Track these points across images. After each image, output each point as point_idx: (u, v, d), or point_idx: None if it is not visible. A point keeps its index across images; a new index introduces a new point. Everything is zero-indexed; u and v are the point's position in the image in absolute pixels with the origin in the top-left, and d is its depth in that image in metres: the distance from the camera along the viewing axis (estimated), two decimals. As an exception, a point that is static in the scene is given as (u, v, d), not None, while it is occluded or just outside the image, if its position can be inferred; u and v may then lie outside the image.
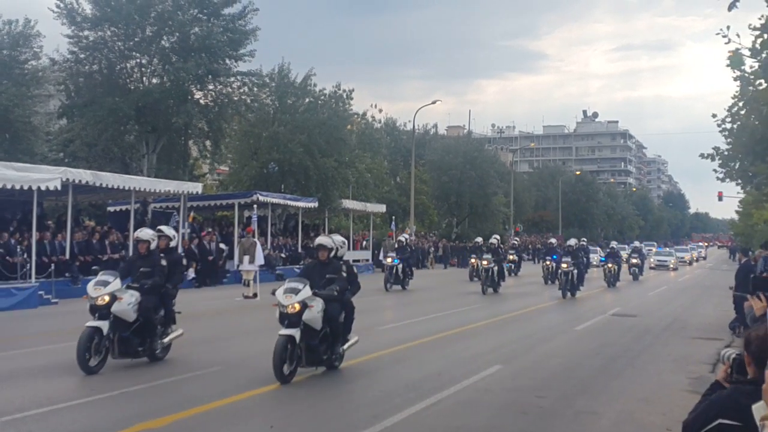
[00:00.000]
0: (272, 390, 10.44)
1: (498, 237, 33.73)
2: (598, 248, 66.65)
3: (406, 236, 35.13)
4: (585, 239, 42.01)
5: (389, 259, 30.37)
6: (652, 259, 58.30)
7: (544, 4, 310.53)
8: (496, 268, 29.19)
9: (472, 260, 36.86)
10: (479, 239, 39.09)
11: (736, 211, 71.34)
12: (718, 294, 29.93)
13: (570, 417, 9.48)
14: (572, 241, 33.00)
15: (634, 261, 42.39)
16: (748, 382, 3.37)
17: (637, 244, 48.29)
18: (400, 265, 30.10)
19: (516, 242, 47.97)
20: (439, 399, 10.08)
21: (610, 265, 35.20)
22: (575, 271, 28.49)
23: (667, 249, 72.12)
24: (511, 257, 40.96)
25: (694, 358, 14.31)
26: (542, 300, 27.28)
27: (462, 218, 71.36)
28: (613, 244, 39.84)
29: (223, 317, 19.72)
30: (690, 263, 69.37)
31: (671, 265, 57.56)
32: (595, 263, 47.34)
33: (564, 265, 28.38)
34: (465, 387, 10.95)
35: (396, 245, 32.13)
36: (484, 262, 29.43)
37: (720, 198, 64.01)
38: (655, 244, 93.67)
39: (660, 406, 10.10)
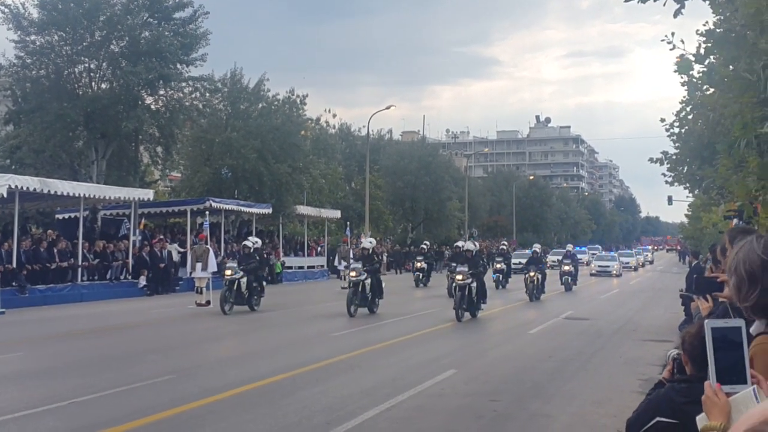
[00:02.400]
0: (224, 398, 10.32)
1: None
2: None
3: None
4: (538, 246, 35.08)
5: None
6: (592, 265, 54.93)
7: (497, 12, 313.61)
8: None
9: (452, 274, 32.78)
10: (425, 244, 38.85)
11: (686, 215, 72.47)
12: (668, 297, 30.36)
13: (524, 420, 9.52)
14: (537, 247, 32.55)
15: (566, 268, 35.68)
16: (684, 380, 3.42)
17: (569, 247, 39.76)
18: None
19: (504, 247, 40.17)
20: (393, 404, 10.04)
21: (531, 274, 28.80)
22: (540, 276, 28.65)
23: (609, 253, 65.91)
24: (498, 265, 36.58)
25: (645, 360, 14.48)
26: (494, 305, 27.40)
27: (417, 223, 71.56)
28: (536, 247, 33.42)
29: (175, 325, 19.45)
30: (635, 269, 65.15)
31: (614, 272, 52.59)
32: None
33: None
34: (419, 392, 10.93)
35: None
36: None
37: (670, 202, 65.22)
38: (600, 248, 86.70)
39: (611, 408, 10.19)
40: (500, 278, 35.90)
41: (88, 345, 15.33)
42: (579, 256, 69.23)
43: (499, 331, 19.57)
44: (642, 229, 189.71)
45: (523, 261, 53.36)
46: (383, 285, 23.41)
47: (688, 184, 26.70)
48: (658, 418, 3.46)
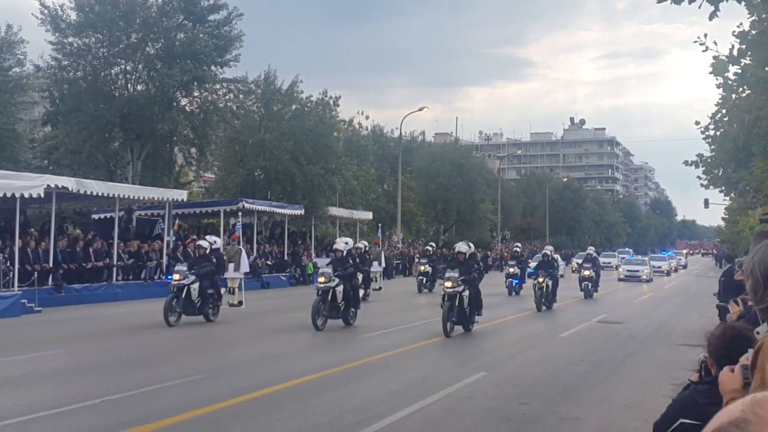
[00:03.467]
0: (255, 398, 10.40)
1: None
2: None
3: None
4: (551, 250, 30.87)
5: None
6: (620, 269, 52.10)
7: (532, 12, 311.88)
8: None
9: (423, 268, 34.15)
10: (431, 246, 36.49)
11: (723, 219, 71.44)
12: (703, 301, 29.96)
13: (553, 423, 9.48)
14: (549, 248, 29.45)
15: (585, 273, 32.32)
16: (706, 382, 3.42)
17: (591, 250, 35.52)
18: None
19: (518, 249, 36.68)
20: (423, 406, 10.04)
21: (540, 280, 25.78)
22: (550, 282, 25.95)
23: (639, 257, 62.64)
24: (511, 270, 33.93)
25: (678, 365, 14.33)
26: (525, 308, 27.22)
27: (449, 225, 71.39)
28: (548, 249, 29.79)
29: (207, 325, 19.61)
30: (668, 273, 61.13)
31: (644, 277, 49.06)
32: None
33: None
34: (448, 394, 10.92)
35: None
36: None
37: (706, 205, 64.43)
38: (630, 251, 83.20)
39: (642, 412, 10.09)
40: (512, 283, 33.14)
41: (122, 344, 15.52)
42: (608, 260, 66.72)
43: (530, 334, 19.44)
44: (678, 233, 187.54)
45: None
46: (364, 292, 22.82)
47: (723, 187, 26.50)
48: (681, 420, 3.46)
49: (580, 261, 36.76)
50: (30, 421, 8.74)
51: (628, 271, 49.79)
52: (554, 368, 13.68)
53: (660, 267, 59.70)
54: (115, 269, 26.84)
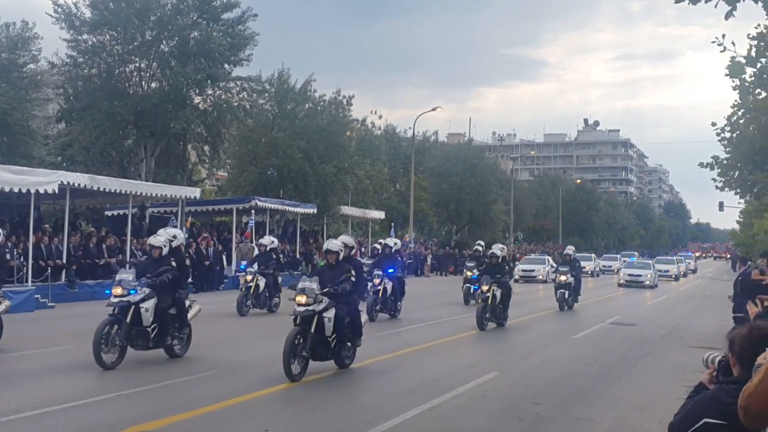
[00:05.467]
0: (268, 394, 10.39)
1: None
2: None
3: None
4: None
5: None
6: (620, 273, 47.09)
7: (546, 13, 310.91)
8: (499, 291, 19.55)
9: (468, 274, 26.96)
10: (480, 245, 29.27)
11: (737, 222, 70.91)
12: (717, 304, 29.83)
13: (566, 424, 9.43)
14: (570, 249, 27.93)
15: (562, 278, 26.08)
16: (732, 382, 3.36)
17: (569, 250, 28.13)
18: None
19: (480, 248, 29.19)
20: (435, 405, 10.02)
21: (485, 288, 19.44)
22: (499, 292, 20.72)
23: (643, 260, 56.79)
24: (468, 273, 27.12)
25: (692, 367, 14.19)
26: (539, 308, 27.16)
27: (461, 226, 71.27)
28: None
29: (220, 322, 19.63)
30: (676, 278, 55.76)
31: (647, 282, 43.63)
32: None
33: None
34: (461, 393, 10.89)
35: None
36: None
37: (721, 208, 64.02)
38: (636, 253, 77.60)
39: (656, 413, 10.03)
40: (470, 290, 26.23)
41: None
42: (609, 263, 63.51)
43: (543, 335, 19.37)
44: (692, 236, 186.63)
45: (531, 267, 50.54)
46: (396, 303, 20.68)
47: (738, 190, 26.32)
48: (705, 420, 3.41)
49: (555, 265, 29.63)
50: (44, 415, 8.77)
51: (629, 275, 44.99)
52: (567, 369, 13.63)
53: (667, 271, 55.02)
54: (127, 266, 26.88)
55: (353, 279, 12.30)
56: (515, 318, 21.64)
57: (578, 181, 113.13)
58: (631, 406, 10.61)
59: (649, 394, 11.57)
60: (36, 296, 21.41)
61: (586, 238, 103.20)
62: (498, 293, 19.46)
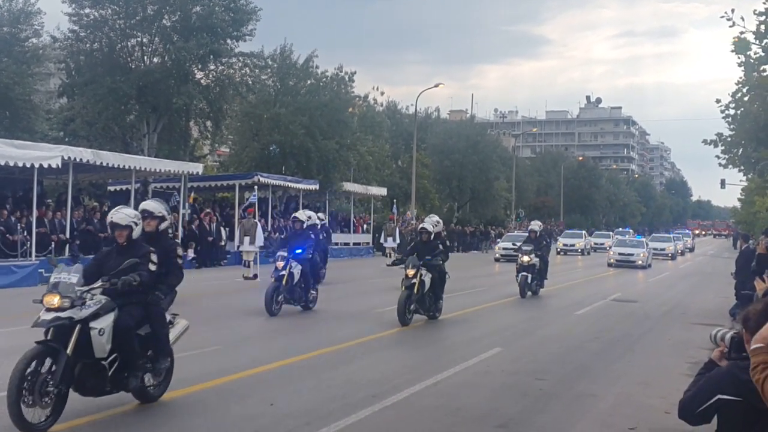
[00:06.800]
0: (272, 369, 10.45)
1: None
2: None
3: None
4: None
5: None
6: (610, 252, 42.70)
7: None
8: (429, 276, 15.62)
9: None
10: (537, 224, 24.22)
11: (739, 199, 70.82)
12: (718, 281, 29.90)
13: (569, 399, 9.48)
14: (536, 225, 23.96)
15: (525, 259, 21.66)
16: (746, 358, 3.35)
17: (534, 226, 23.97)
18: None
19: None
20: (438, 380, 10.06)
21: (410, 271, 15.42)
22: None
23: (635, 237, 52.23)
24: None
25: (694, 343, 14.27)
26: (548, 284, 27.06)
27: (463, 203, 71.27)
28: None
29: (222, 298, 19.69)
30: (673, 257, 52.12)
31: (639, 261, 40.14)
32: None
33: (525, 258, 21.51)
34: (464, 369, 10.94)
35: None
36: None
37: (723, 185, 64.03)
38: (630, 231, 70.74)
39: (659, 389, 10.08)
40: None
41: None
42: (601, 241, 59.31)
43: (546, 311, 19.43)
44: (693, 213, 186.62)
45: (571, 242, 51.09)
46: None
47: (742, 167, 26.22)
48: (719, 396, 3.40)
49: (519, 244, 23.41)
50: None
51: (619, 254, 41.13)
52: (570, 345, 13.69)
53: (663, 250, 51.55)
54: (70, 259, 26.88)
55: (152, 266, 8.07)
56: (516, 295, 21.32)
57: (580, 158, 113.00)
58: (634, 382, 10.66)
59: (652, 370, 11.61)
60: (40, 270, 21.43)
61: (587, 216, 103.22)
62: (427, 279, 15.36)
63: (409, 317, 14.91)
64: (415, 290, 15.07)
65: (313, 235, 16.76)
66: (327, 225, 24.37)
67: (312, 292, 16.81)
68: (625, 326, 16.74)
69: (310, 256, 16.52)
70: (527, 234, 24.45)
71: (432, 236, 16.13)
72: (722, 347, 3.74)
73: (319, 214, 25.36)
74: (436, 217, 17.40)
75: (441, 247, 16.16)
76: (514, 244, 31.64)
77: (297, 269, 15.92)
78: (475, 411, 8.66)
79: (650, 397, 9.72)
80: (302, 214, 17.47)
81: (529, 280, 21.53)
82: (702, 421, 3.66)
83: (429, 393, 9.38)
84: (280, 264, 15.78)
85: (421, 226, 16.69)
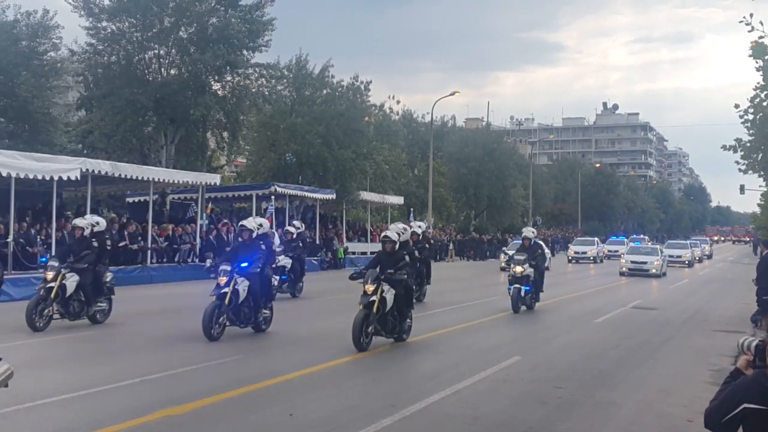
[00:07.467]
0: (290, 379, 10.44)
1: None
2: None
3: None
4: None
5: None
6: (623, 260, 39.94)
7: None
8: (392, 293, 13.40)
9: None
10: (530, 231, 22.16)
11: (759, 204, 70.17)
12: (739, 287, 29.64)
13: (589, 407, 9.41)
14: (529, 231, 21.82)
15: (518, 269, 19.63)
16: None
17: (528, 232, 21.74)
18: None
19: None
20: (458, 389, 10.02)
21: (369, 287, 13.26)
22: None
23: (649, 244, 50.38)
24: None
25: (716, 351, 14.16)
26: (563, 292, 27.04)
27: (480, 211, 71.14)
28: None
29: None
30: (690, 264, 49.28)
31: (654, 270, 37.84)
32: None
33: (518, 269, 19.57)
34: (483, 377, 10.89)
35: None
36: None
37: (742, 191, 63.60)
38: (645, 237, 70.11)
39: (681, 397, 10.00)
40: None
41: (158, 325, 15.62)
42: (615, 248, 55.36)
43: (565, 319, 19.29)
44: (712, 219, 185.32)
45: (583, 249, 50.28)
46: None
47: (762, 172, 26.02)
48: (745, 405, 3.36)
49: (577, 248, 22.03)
50: (70, 400, 8.83)
51: (632, 262, 38.79)
52: (589, 353, 13.60)
53: (680, 257, 48.73)
54: (149, 252, 27.06)
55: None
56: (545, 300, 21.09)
57: (597, 165, 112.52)
58: (655, 390, 10.57)
59: (674, 378, 11.52)
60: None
61: (605, 222, 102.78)
62: (389, 296, 13.18)
63: (366, 341, 12.67)
64: (375, 309, 12.84)
65: (264, 246, 14.61)
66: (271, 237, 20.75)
67: (264, 311, 14.67)
68: (645, 334, 16.61)
69: (259, 269, 14.26)
70: (520, 242, 21.96)
71: (397, 246, 14.04)
72: (749, 356, 3.69)
73: (295, 222, 25.82)
74: (401, 225, 16.13)
75: (407, 258, 13.99)
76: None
77: (243, 285, 13.79)
78: (494, 419, 8.62)
79: (672, 405, 9.64)
80: (251, 222, 15.11)
81: (523, 293, 19.58)
82: (727, 431, 3.61)
83: (449, 402, 9.35)
84: (223, 280, 13.64)
85: (383, 234, 14.51)
